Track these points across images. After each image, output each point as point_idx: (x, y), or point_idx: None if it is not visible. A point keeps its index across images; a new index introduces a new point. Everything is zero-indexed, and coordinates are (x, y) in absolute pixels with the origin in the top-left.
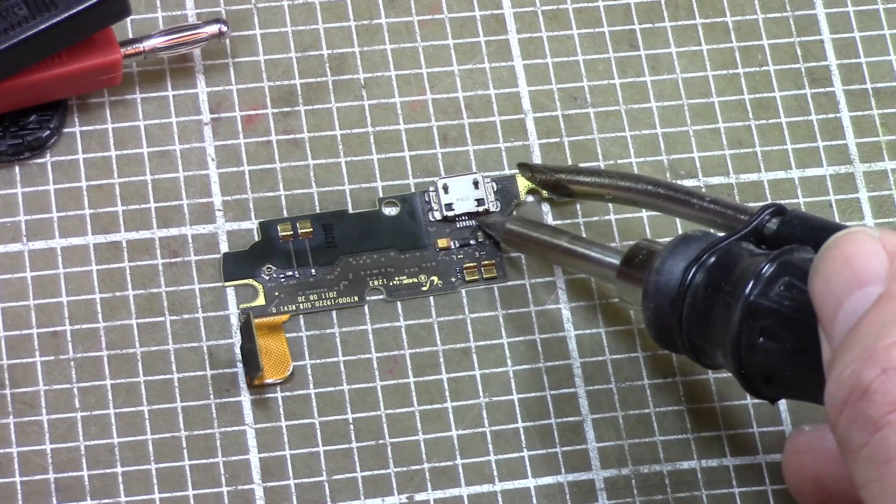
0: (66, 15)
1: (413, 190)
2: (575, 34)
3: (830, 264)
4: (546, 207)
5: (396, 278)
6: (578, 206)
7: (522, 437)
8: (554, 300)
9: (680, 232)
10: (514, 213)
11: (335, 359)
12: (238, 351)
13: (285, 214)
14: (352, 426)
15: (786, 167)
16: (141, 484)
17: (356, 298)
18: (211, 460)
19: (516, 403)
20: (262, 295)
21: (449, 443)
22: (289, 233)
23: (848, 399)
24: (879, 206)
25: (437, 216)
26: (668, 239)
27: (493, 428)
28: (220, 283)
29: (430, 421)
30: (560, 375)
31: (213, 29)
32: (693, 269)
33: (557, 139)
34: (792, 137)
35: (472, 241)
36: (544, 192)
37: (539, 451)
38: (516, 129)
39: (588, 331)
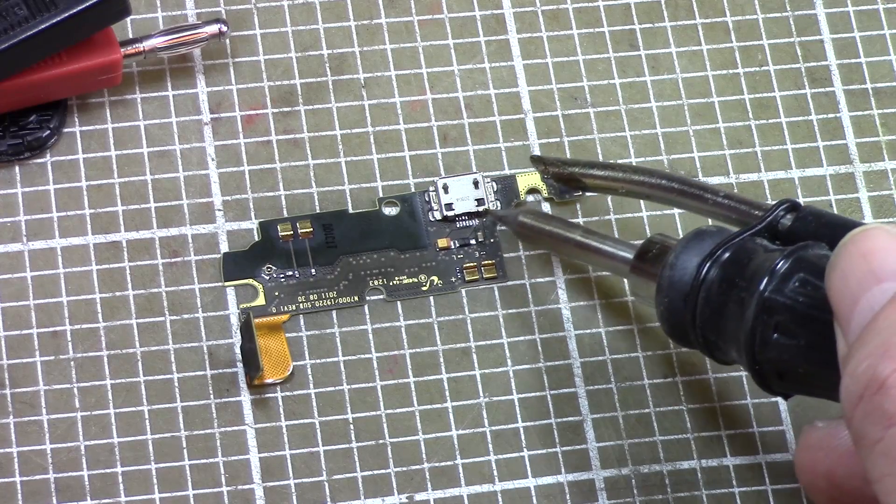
0: (66, 15)
1: (413, 190)
2: (575, 34)
3: (847, 260)
4: (546, 207)
5: (396, 278)
6: (579, 206)
7: (522, 437)
8: (554, 300)
9: (680, 230)
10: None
11: (335, 359)
12: (238, 351)
13: (285, 214)
14: (352, 426)
15: (786, 167)
16: (141, 484)
17: (356, 298)
18: (211, 460)
19: (516, 403)
20: (262, 295)
21: (449, 443)
22: (289, 233)
23: (863, 394)
24: (879, 206)
25: (437, 216)
26: (677, 237)
27: (493, 428)
28: (220, 283)
29: (430, 421)
30: (560, 375)
31: (213, 29)
32: (707, 265)
33: (557, 139)
34: (792, 137)
35: (472, 241)
36: (545, 191)
37: (539, 451)
38: (516, 129)
39: (588, 331)
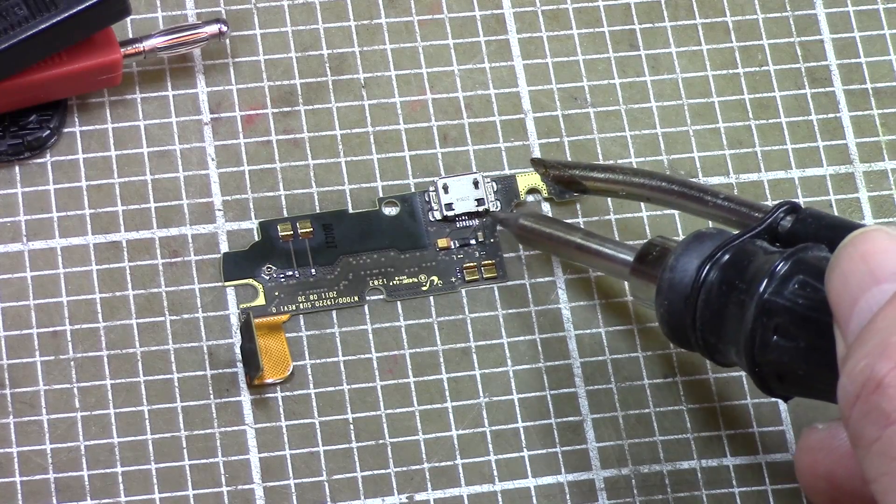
0: (66, 15)
1: (413, 190)
2: (575, 34)
3: (847, 261)
4: (546, 207)
5: (396, 278)
6: (579, 206)
7: (522, 437)
8: (554, 300)
9: (680, 231)
10: (516, 210)
11: (335, 359)
12: (238, 351)
13: (285, 214)
14: (352, 426)
15: (786, 167)
16: (141, 484)
17: (356, 298)
18: (211, 460)
19: (516, 403)
20: (262, 295)
21: (449, 443)
22: (289, 233)
23: (861, 393)
24: (879, 206)
25: (437, 216)
26: (676, 237)
27: (493, 428)
28: (220, 283)
29: (430, 421)
30: (560, 375)
31: (213, 29)
32: (707, 267)
33: (557, 139)
34: (792, 137)
35: (472, 241)
36: (545, 191)
37: (539, 451)
38: (516, 129)
39: (588, 331)
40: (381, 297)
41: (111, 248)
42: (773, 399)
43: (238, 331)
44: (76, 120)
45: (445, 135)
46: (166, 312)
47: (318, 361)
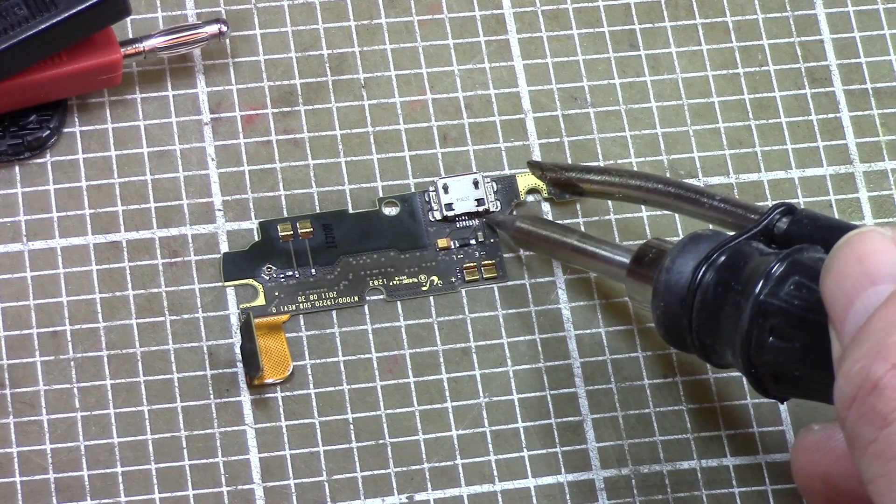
0: (66, 15)
1: (413, 190)
2: (575, 34)
3: (842, 262)
4: (546, 207)
5: (396, 278)
6: (578, 206)
7: (522, 437)
8: (554, 300)
9: (680, 231)
10: (515, 212)
11: (335, 359)
12: (238, 351)
13: (285, 214)
14: (352, 426)
15: (786, 167)
16: (141, 484)
17: (356, 298)
18: (211, 460)
19: (516, 403)
20: (262, 295)
21: (449, 443)
22: (289, 233)
23: (857, 394)
24: (879, 206)
25: (437, 216)
26: (674, 238)
27: (493, 428)
28: (220, 283)
29: (430, 421)
30: (560, 375)
31: (213, 29)
32: (703, 268)
33: (557, 139)
34: (792, 137)
35: (472, 241)
36: (545, 191)
37: (539, 451)
38: (516, 129)
39: (588, 331)
40: (381, 297)
41: (111, 248)
42: (772, 399)
43: (238, 331)
44: (76, 120)
45: (445, 135)
46: (166, 312)
47: (318, 361)
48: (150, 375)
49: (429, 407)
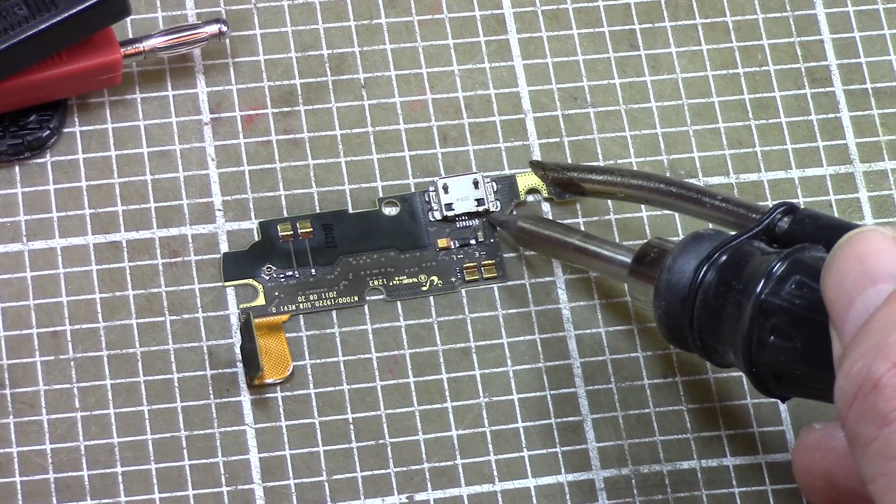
0: (66, 15)
1: (413, 190)
2: (575, 34)
3: (843, 262)
4: (546, 206)
5: (396, 278)
6: (579, 206)
7: (522, 437)
8: (554, 300)
9: (680, 231)
10: (516, 212)
11: (335, 359)
12: (238, 351)
13: (285, 214)
14: (352, 426)
15: (786, 167)
16: (141, 484)
17: (356, 298)
18: (211, 460)
19: (516, 403)
20: (262, 295)
21: (449, 443)
22: (289, 233)
23: (857, 393)
24: (879, 206)
25: (437, 216)
26: (675, 238)
27: (493, 428)
28: (220, 283)
29: (430, 421)
30: (560, 375)
31: (213, 29)
32: (704, 268)
33: (557, 139)
34: (792, 137)
35: (472, 241)
36: (545, 191)
37: (539, 451)
38: (516, 129)
39: (588, 331)
40: (381, 297)
41: (111, 248)
42: (773, 399)
43: (238, 331)
44: (76, 120)
45: (445, 135)
46: (166, 312)
47: (318, 361)
48: (150, 375)
49: (429, 407)
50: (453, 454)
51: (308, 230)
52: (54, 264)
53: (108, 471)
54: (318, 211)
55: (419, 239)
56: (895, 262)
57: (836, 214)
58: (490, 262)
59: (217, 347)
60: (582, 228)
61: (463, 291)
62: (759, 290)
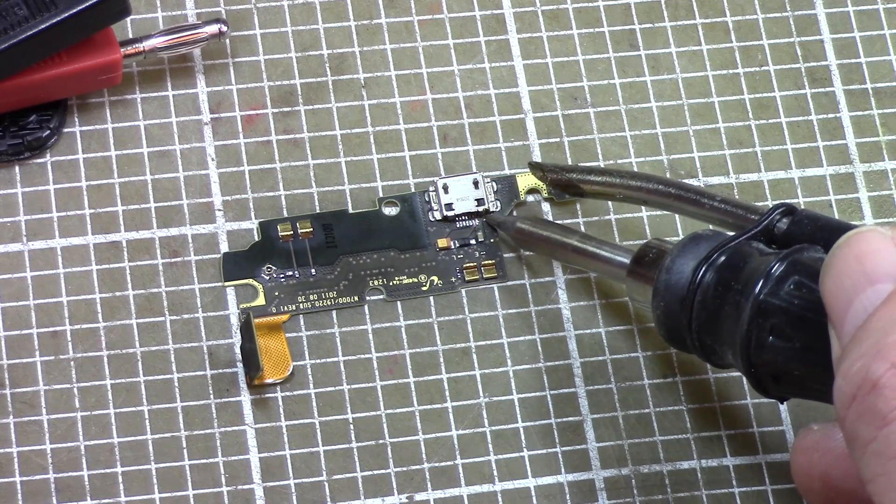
0: (66, 15)
1: (413, 190)
2: (575, 34)
3: (842, 262)
4: (546, 207)
5: (396, 278)
6: (578, 206)
7: (522, 437)
8: (554, 300)
9: (680, 231)
10: (515, 212)
11: (335, 359)
12: (238, 351)
13: (285, 214)
14: (352, 426)
15: (786, 167)
16: (141, 484)
17: (356, 298)
18: (211, 460)
19: (516, 403)
20: (262, 295)
21: (449, 443)
22: (289, 233)
23: (856, 394)
24: (879, 206)
25: (437, 216)
26: (674, 238)
27: (493, 428)
28: (220, 283)
29: (430, 421)
30: (560, 375)
31: (213, 29)
32: (703, 268)
33: (557, 139)
34: (792, 137)
35: (472, 241)
36: (545, 191)
37: (539, 451)
38: (516, 129)
39: (588, 331)
40: (381, 297)
41: (111, 248)
42: (772, 399)
43: (238, 331)
44: (76, 120)
45: (445, 135)
46: (166, 312)
47: (318, 361)
48: (150, 375)
49: (429, 407)
50: (453, 454)
51: (308, 230)
52: (54, 264)
53: (108, 471)
54: (318, 211)
55: (419, 239)
56: (894, 262)
57: (836, 214)
58: (490, 262)
59: (217, 347)
60: (582, 229)
61: (463, 291)
62: (757, 290)
